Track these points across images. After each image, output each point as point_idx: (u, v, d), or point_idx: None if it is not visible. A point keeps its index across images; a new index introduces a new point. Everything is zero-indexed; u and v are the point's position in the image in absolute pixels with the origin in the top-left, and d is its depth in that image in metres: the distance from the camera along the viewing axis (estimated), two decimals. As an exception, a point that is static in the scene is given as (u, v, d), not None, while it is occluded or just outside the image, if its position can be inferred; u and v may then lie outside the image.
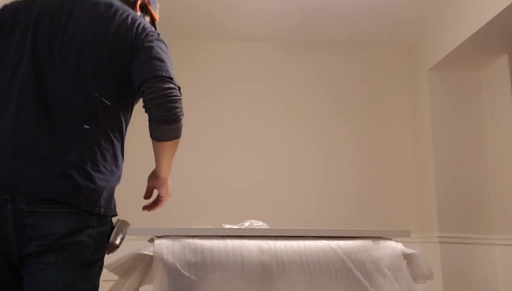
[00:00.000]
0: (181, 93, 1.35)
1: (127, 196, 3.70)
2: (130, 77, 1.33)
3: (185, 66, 4.02)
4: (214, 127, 3.80)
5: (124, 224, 1.29)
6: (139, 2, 1.54)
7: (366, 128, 4.18)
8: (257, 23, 3.86)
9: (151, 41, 1.36)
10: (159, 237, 1.31)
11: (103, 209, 1.25)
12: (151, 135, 1.34)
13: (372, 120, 4.20)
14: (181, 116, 1.33)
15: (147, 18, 1.59)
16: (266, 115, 3.89)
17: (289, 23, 3.91)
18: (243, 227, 1.57)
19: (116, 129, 1.33)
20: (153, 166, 1.42)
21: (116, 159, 1.32)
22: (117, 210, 1.31)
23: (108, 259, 1.32)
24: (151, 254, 1.25)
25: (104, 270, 1.28)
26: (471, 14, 3.27)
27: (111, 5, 1.38)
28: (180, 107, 1.32)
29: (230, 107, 3.86)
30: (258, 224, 1.67)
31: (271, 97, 3.94)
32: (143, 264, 1.28)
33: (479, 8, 3.16)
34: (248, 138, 3.81)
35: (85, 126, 1.26)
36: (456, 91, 3.90)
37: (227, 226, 1.58)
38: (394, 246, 1.38)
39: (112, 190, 1.31)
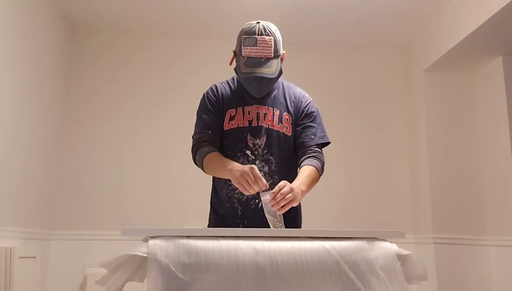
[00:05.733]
0: (193, 144, 2.05)
1: (126, 197, 3.69)
2: None
3: (182, 64, 4.01)
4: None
5: None
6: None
7: (361, 128, 4.19)
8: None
9: None
10: (153, 238, 1.30)
11: None
12: None
13: (367, 121, 4.20)
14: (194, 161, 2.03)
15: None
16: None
17: (284, 23, 3.91)
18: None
19: None
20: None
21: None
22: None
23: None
24: (145, 255, 1.25)
25: (100, 270, 1.27)
26: (466, 16, 3.28)
27: None
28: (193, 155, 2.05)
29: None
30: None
31: (267, 98, 3.92)
32: (133, 261, 1.27)
33: (474, 10, 3.17)
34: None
35: None
36: (451, 92, 3.91)
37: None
38: (388, 247, 1.38)
39: None
